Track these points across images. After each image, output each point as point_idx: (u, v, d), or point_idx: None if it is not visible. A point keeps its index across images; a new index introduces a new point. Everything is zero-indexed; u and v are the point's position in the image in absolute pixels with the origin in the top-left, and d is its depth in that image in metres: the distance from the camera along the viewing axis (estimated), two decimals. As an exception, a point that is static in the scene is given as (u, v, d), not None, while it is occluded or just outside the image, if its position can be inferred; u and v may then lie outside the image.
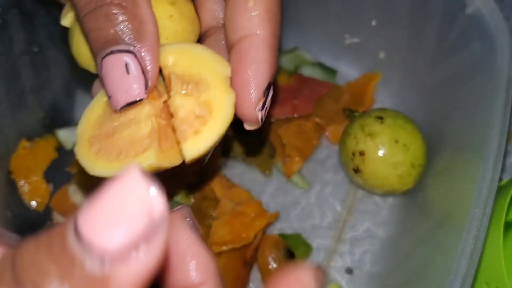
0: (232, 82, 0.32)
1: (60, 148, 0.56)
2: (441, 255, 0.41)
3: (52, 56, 0.54)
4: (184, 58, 0.31)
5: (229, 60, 0.33)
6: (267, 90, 0.32)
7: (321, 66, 0.63)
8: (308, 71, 0.62)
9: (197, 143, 0.30)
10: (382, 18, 0.56)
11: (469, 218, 0.39)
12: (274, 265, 0.52)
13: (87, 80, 0.61)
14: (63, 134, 0.57)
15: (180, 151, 0.30)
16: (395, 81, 0.60)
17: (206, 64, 0.31)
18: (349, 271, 0.54)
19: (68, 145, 0.57)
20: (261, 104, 0.32)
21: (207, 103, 0.30)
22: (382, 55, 0.60)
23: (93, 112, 0.32)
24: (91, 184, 0.54)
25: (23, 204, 0.52)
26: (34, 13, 0.50)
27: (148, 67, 0.28)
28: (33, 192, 0.53)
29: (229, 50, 0.33)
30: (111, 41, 0.28)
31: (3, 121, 0.48)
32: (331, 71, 0.63)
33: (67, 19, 0.36)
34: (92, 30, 0.28)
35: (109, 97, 0.29)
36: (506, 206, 0.44)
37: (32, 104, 0.52)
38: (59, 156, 0.55)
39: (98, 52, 0.28)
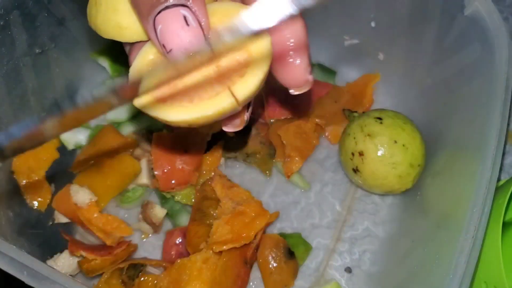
0: (277, 49, 0.33)
1: (62, 148, 0.57)
2: (440, 254, 0.41)
3: (54, 57, 0.54)
4: (215, 14, 0.31)
5: None
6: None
7: (321, 67, 0.63)
8: (308, 72, 0.62)
9: (245, 84, 0.31)
10: (381, 20, 0.56)
11: (468, 218, 0.39)
12: (274, 264, 0.52)
13: (88, 79, 0.61)
14: (65, 135, 0.57)
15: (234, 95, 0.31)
16: (394, 82, 0.61)
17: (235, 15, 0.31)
18: (348, 270, 0.55)
19: (69, 145, 0.58)
20: (309, 67, 0.34)
21: (245, 49, 0.31)
22: (381, 56, 0.60)
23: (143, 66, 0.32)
24: (93, 183, 0.55)
25: (25, 204, 0.52)
26: (35, 14, 0.50)
27: (204, 21, 0.29)
28: (35, 192, 0.53)
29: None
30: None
31: (5, 121, 0.48)
32: (331, 72, 0.63)
33: None
34: None
35: (168, 52, 0.28)
36: (504, 205, 0.44)
37: (34, 104, 0.53)
38: (60, 157, 0.55)
39: (151, 10, 0.28)
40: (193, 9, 0.28)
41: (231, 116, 0.34)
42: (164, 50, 0.28)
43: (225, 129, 0.35)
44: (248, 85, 0.31)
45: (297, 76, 0.34)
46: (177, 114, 0.31)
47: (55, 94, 0.56)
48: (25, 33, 0.49)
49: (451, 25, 0.48)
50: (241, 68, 0.31)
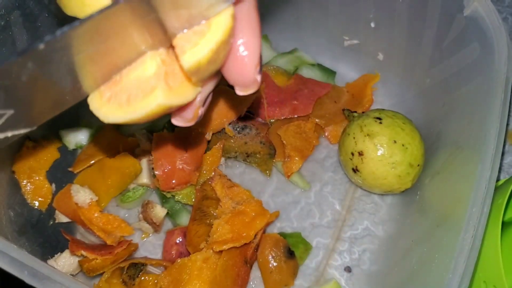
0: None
1: (62, 148, 0.57)
2: (439, 254, 0.41)
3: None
4: None
5: None
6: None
7: (321, 67, 0.63)
8: (307, 72, 0.62)
9: (195, 52, 0.29)
10: (381, 20, 0.56)
11: (467, 217, 0.39)
12: (274, 264, 0.52)
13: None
14: (65, 134, 0.57)
15: (188, 80, 0.30)
16: (394, 82, 0.61)
17: None
18: (348, 269, 0.55)
19: (70, 145, 0.58)
20: (259, 67, 0.32)
21: (207, 23, 0.29)
22: (380, 56, 0.60)
23: None
24: (94, 183, 0.55)
25: (26, 204, 0.52)
26: (36, 14, 0.50)
27: None
28: (35, 192, 0.53)
29: None
30: None
31: (6, 121, 0.48)
32: (331, 72, 0.63)
33: None
34: None
35: None
36: (503, 205, 0.44)
37: (35, 104, 0.52)
38: (61, 156, 0.55)
39: None
40: None
41: (180, 108, 0.32)
42: None
43: (174, 122, 0.33)
44: (196, 53, 0.29)
45: (243, 72, 0.31)
46: (113, 114, 0.30)
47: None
48: (26, 33, 0.49)
49: (450, 25, 0.48)
50: (197, 39, 0.29)
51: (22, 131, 0.29)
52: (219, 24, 0.30)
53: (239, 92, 0.33)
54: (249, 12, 0.31)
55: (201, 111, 0.33)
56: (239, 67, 0.31)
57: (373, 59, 0.61)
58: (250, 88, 0.32)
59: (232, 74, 0.31)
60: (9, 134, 0.28)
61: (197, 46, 0.29)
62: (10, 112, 0.26)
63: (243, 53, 0.31)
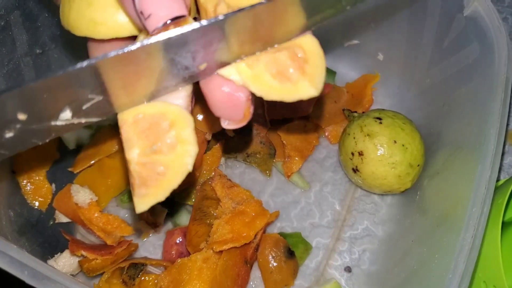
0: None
1: (62, 148, 0.57)
2: (439, 254, 0.41)
3: (55, 57, 0.54)
4: None
5: None
6: None
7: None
8: (307, 72, 0.62)
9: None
10: (381, 20, 0.56)
11: (467, 217, 0.39)
12: (274, 264, 0.52)
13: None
14: (65, 135, 0.57)
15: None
16: (394, 82, 0.61)
17: None
18: (348, 269, 0.55)
19: (70, 145, 0.58)
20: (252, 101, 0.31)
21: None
22: (380, 56, 0.60)
23: None
24: (94, 183, 0.55)
25: (26, 204, 0.52)
26: (36, 14, 0.50)
27: None
28: (36, 192, 0.53)
29: None
30: None
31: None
32: (331, 72, 0.63)
33: None
34: None
35: (147, 18, 0.27)
36: (503, 205, 0.44)
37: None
38: (61, 156, 0.55)
39: None
40: None
41: (227, 111, 0.31)
42: (142, 17, 0.27)
43: (225, 126, 0.32)
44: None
45: (234, 105, 0.30)
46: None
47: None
48: (25, 33, 0.49)
49: (450, 25, 0.48)
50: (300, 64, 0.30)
51: (94, 119, 0.29)
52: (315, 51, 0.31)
53: (226, 125, 0.32)
54: None
55: (251, 109, 0.31)
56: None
57: (373, 59, 0.61)
58: (239, 123, 0.31)
59: (215, 106, 0.31)
60: (83, 120, 0.28)
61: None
62: (99, 98, 0.27)
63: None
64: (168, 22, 0.27)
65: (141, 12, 0.27)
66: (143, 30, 0.30)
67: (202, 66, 0.29)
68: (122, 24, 0.32)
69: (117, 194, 0.57)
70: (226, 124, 0.31)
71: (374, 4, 0.52)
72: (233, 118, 0.31)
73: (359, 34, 0.60)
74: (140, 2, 0.27)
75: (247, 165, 0.60)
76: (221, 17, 0.26)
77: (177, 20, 0.27)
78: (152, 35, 0.27)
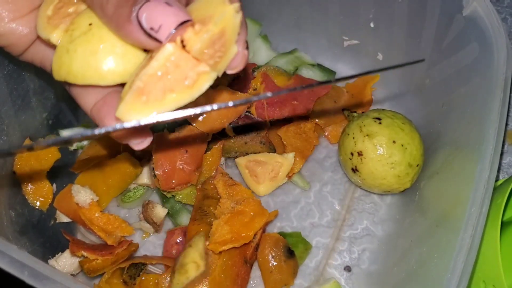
0: None
1: (63, 148, 0.57)
2: (438, 254, 0.41)
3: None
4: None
5: None
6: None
7: (320, 67, 0.63)
8: (307, 72, 0.62)
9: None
10: (380, 20, 0.56)
11: (466, 217, 0.39)
12: (274, 263, 0.52)
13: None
14: (66, 135, 0.57)
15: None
16: (393, 82, 0.61)
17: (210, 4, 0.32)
18: (348, 269, 0.55)
19: (71, 146, 0.58)
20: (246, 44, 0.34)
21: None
22: (380, 56, 0.60)
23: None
24: (95, 183, 0.55)
25: (26, 204, 0.52)
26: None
27: (184, 3, 0.32)
28: (36, 192, 0.53)
29: None
30: None
31: (7, 121, 0.48)
32: (330, 72, 0.63)
33: (55, 34, 0.34)
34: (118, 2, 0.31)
35: (158, 30, 0.30)
36: (502, 205, 0.44)
37: (36, 105, 0.53)
38: (62, 157, 0.55)
39: (131, 10, 0.30)
40: None
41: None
42: (154, 32, 0.30)
43: (229, 71, 0.35)
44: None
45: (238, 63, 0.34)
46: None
47: (56, 94, 0.56)
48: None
49: (450, 25, 0.48)
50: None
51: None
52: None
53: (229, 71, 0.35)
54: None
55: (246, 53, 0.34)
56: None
57: (373, 59, 0.61)
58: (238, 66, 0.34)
59: None
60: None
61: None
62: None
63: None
64: (178, 27, 0.30)
65: (151, 28, 0.30)
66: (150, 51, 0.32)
67: None
68: (128, 70, 0.33)
69: (118, 194, 0.57)
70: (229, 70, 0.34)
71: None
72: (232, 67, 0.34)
73: (359, 34, 0.60)
74: (147, 19, 0.30)
75: (247, 165, 0.60)
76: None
77: (184, 24, 0.30)
78: (166, 43, 0.30)
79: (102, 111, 0.34)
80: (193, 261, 0.47)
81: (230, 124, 0.57)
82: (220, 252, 0.49)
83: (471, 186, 0.40)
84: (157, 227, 0.56)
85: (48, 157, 0.53)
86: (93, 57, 0.32)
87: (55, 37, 0.34)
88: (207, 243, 0.50)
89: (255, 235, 0.51)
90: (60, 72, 0.34)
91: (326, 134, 0.61)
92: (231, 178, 0.56)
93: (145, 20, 0.30)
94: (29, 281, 0.36)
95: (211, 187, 0.55)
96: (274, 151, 0.58)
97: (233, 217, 0.51)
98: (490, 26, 0.44)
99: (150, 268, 0.54)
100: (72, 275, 0.53)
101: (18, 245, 0.38)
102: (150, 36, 0.30)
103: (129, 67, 0.33)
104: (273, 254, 0.53)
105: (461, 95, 0.49)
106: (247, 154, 0.58)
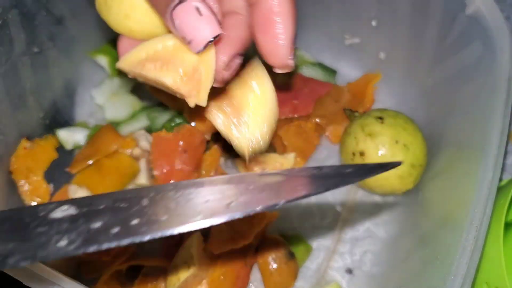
0: (263, 37, 0.35)
1: (60, 148, 0.57)
2: (441, 255, 0.41)
3: (52, 57, 0.54)
4: None
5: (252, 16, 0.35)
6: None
7: (322, 66, 0.63)
8: (308, 71, 0.62)
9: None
10: (382, 18, 0.56)
11: (469, 218, 0.39)
12: (274, 265, 0.52)
13: (86, 79, 0.61)
14: (63, 134, 0.57)
15: None
16: (396, 81, 0.61)
17: None
18: (349, 271, 0.54)
19: (68, 145, 0.57)
20: (292, 53, 0.35)
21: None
22: (382, 55, 0.60)
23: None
24: (92, 183, 0.55)
25: (23, 204, 0.52)
26: (34, 13, 0.50)
27: (216, 9, 0.32)
28: (33, 192, 0.53)
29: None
30: None
31: (4, 121, 0.48)
32: (331, 71, 0.63)
33: None
34: None
35: (189, 43, 0.31)
36: (506, 206, 0.44)
37: (32, 104, 0.52)
38: (59, 156, 0.55)
39: (166, 8, 0.31)
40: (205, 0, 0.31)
41: None
42: (186, 42, 0.31)
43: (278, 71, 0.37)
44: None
45: (279, 58, 0.35)
46: None
47: (53, 93, 0.55)
48: (23, 32, 0.49)
49: (453, 24, 0.48)
50: None
51: None
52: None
53: (277, 70, 0.36)
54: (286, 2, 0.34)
55: (293, 62, 0.36)
56: (276, 53, 0.35)
57: (375, 58, 0.60)
58: (285, 70, 0.36)
59: (270, 58, 0.35)
60: None
61: None
62: None
63: (281, 41, 0.34)
64: (209, 43, 0.31)
65: (183, 37, 0.31)
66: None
67: None
68: (155, 33, 0.36)
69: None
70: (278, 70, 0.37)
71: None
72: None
73: (361, 33, 0.60)
74: (179, 29, 0.31)
75: (247, 165, 0.59)
76: None
77: (214, 40, 0.31)
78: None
79: None
80: (184, 262, 0.47)
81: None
82: (220, 254, 0.49)
83: (475, 186, 0.40)
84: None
85: (45, 157, 0.53)
86: (125, 19, 0.36)
87: None
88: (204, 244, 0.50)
89: (255, 237, 0.51)
90: (101, 14, 0.37)
91: (327, 134, 0.60)
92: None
93: (177, 27, 0.31)
94: (26, 282, 0.36)
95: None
96: (274, 151, 0.58)
97: (232, 218, 0.51)
98: (493, 25, 0.44)
99: (149, 269, 0.53)
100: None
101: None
102: (183, 40, 0.31)
103: (157, 31, 0.36)
104: (274, 256, 0.52)
105: (464, 95, 0.48)
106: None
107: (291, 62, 0.35)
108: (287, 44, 0.34)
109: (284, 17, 0.34)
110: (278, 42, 0.34)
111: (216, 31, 0.30)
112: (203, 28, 0.30)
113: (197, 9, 0.30)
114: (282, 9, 0.34)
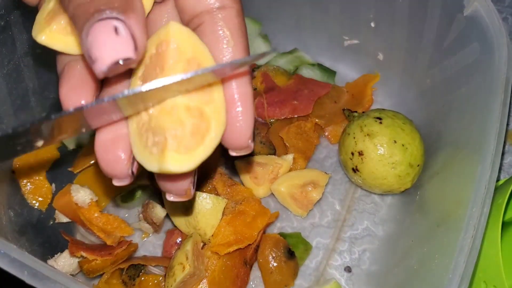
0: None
1: (62, 148, 0.57)
2: (439, 254, 0.41)
3: (55, 57, 0.54)
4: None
5: None
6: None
7: (321, 67, 0.63)
8: (307, 72, 0.62)
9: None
10: (381, 20, 0.56)
11: (467, 218, 0.39)
12: (274, 264, 0.52)
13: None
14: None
15: None
16: (394, 82, 0.61)
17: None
18: (348, 269, 0.55)
19: (70, 145, 0.57)
20: (252, 136, 0.34)
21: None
22: (381, 56, 0.60)
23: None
24: (94, 183, 0.55)
25: (25, 204, 0.52)
26: (36, 14, 0.50)
27: (137, 34, 0.28)
28: (35, 192, 0.53)
29: None
30: (99, 12, 0.27)
31: (6, 121, 0.48)
32: (331, 72, 0.63)
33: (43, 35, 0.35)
34: (79, 4, 0.28)
35: (93, 62, 0.27)
36: (503, 205, 0.44)
37: (35, 104, 0.52)
38: (61, 156, 0.55)
39: (85, 22, 0.28)
40: (127, 22, 0.28)
41: (173, 180, 0.33)
42: (91, 62, 0.28)
43: (168, 198, 0.35)
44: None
45: (239, 141, 0.33)
46: None
47: (56, 94, 0.55)
48: (26, 33, 0.49)
49: (451, 25, 0.48)
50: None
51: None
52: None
53: (233, 153, 0.34)
54: (246, 86, 0.33)
55: (252, 144, 0.34)
56: (236, 136, 0.33)
57: (373, 59, 0.61)
58: (243, 152, 0.34)
59: (228, 141, 0.33)
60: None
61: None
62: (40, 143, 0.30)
63: (240, 124, 0.33)
64: (118, 63, 0.27)
65: (89, 57, 0.27)
66: None
67: None
68: None
69: (117, 194, 0.57)
70: (234, 153, 0.34)
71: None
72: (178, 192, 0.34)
73: (359, 34, 0.60)
74: (89, 47, 0.27)
75: (247, 165, 0.59)
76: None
77: (126, 62, 0.27)
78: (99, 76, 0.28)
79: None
80: (179, 262, 0.47)
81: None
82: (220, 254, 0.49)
83: (472, 186, 0.40)
84: (156, 227, 0.56)
85: (47, 156, 0.53)
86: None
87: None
88: (202, 244, 0.50)
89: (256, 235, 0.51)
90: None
91: (326, 134, 0.61)
92: (231, 178, 0.56)
93: (88, 44, 0.27)
94: (29, 281, 0.36)
95: (210, 187, 0.54)
96: (274, 151, 0.58)
97: (234, 218, 0.51)
98: (491, 26, 0.44)
99: (150, 268, 0.53)
100: (72, 275, 0.53)
101: (17, 245, 0.37)
102: (88, 60, 0.28)
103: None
104: (273, 255, 0.53)
105: (462, 95, 0.49)
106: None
107: (251, 145, 0.34)
108: (249, 125, 0.33)
109: (244, 99, 0.33)
110: (238, 123, 0.32)
111: (128, 53, 0.27)
112: (114, 47, 0.27)
113: (116, 28, 0.27)
114: (243, 90, 0.33)
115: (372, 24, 0.57)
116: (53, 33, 0.33)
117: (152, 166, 0.31)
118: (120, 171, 0.33)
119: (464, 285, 0.37)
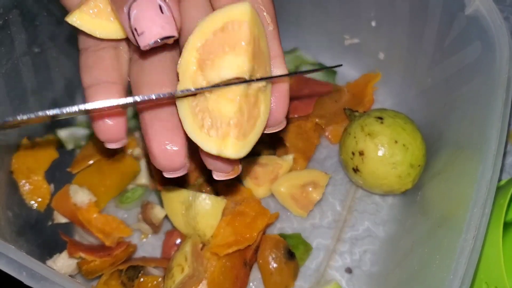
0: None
1: (61, 148, 0.57)
2: (440, 255, 0.41)
3: (53, 57, 0.54)
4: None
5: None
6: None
7: (321, 66, 0.63)
8: (308, 72, 0.62)
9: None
10: (382, 19, 0.56)
11: (468, 218, 0.39)
12: (274, 265, 0.52)
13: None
14: (64, 134, 0.57)
15: None
16: (395, 81, 0.61)
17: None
18: (349, 270, 0.54)
19: (69, 145, 0.57)
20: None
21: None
22: (381, 55, 0.60)
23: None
24: (93, 183, 0.55)
25: (24, 204, 0.52)
26: (35, 13, 0.50)
27: (176, 15, 0.30)
28: (34, 192, 0.53)
29: None
30: None
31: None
32: (331, 72, 0.63)
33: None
34: None
35: (140, 34, 0.30)
36: (505, 206, 0.44)
37: (33, 104, 0.52)
38: (60, 156, 0.55)
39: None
40: (169, 3, 0.30)
41: (224, 161, 0.34)
42: (136, 33, 0.30)
43: (216, 177, 0.36)
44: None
45: (275, 115, 0.35)
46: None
47: (54, 93, 0.55)
48: (24, 32, 0.49)
49: (452, 24, 0.48)
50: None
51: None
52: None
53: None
54: (283, 67, 0.36)
55: (240, 167, 0.36)
56: (274, 114, 0.35)
57: (374, 58, 0.60)
58: (277, 129, 0.36)
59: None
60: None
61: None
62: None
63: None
64: (159, 41, 0.30)
65: (135, 29, 0.30)
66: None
67: None
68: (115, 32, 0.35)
69: (116, 195, 0.57)
70: (217, 176, 0.36)
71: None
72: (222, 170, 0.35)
73: (360, 33, 0.60)
74: (135, 20, 0.30)
75: (247, 165, 0.59)
76: None
77: (167, 39, 0.30)
78: (142, 49, 0.30)
79: None
80: (178, 264, 0.47)
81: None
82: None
83: (474, 186, 0.40)
84: (155, 228, 0.55)
85: (46, 156, 0.53)
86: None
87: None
88: (201, 245, 0.50)
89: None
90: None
91: (326, 134, 0.60)
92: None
93: (133, 18, 0.30)
94: (27, 281, 0.36)
95: (209, 188, 0.54)
96: (275, 151, 0.58)
97: (234, 218, 0.51)
98: (492, 25, 0.44)
99: (149, 269, 0.53)
100: (70, 275, 0.53)
101: (15, 246, 0.37)
102: (132, 33, 0.30)
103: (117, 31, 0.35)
104: (273, 256, 0.52)
105: (463, 95, 0.48)
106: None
107: (285, 121, 0.35)
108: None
109: (282, 78, 0.34)
110: (278, 100, 0.34)
111: (173, 32, 0.30)
112: (161, 24, 0.30)
113: (160, 7, 0.30)
114: (281, 71, 0.34)
115: (373, 23, 0.57)
116: (83, 14, 0.34)
117: (210, 148, 0.31)
118: (179, 163, 0.34)
119: (465, 286, 0.37)
